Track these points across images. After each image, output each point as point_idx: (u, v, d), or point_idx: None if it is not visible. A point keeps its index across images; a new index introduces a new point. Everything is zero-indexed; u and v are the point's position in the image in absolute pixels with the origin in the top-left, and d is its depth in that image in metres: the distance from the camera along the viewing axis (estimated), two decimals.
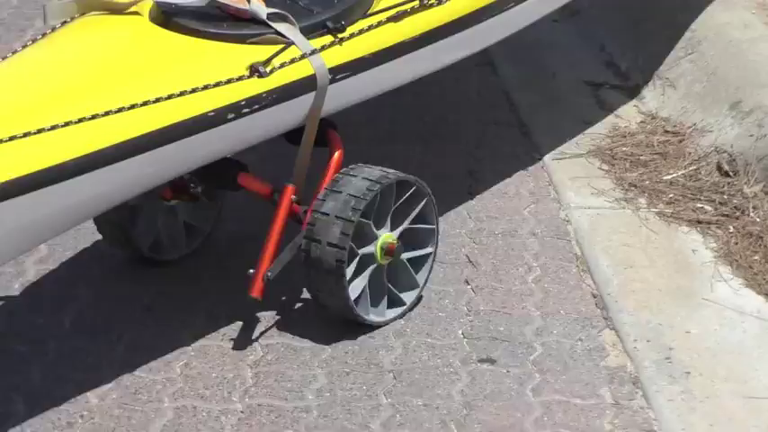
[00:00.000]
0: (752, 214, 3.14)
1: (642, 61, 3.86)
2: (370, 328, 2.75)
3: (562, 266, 3.01)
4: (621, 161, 3.38)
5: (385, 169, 2.73)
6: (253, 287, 2.64)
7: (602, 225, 3.19)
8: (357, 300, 2.71)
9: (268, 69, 2.53)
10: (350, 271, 2.67)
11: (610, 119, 3.61)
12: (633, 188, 3.27)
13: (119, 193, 2.44)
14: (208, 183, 2.85)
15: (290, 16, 2.62)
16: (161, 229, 3.00)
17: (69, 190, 2.29)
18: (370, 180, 2.67)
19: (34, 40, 2.64)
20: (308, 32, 2.63)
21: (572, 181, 3.33)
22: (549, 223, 3.18)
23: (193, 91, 2.42)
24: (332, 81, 2.63)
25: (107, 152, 2.31)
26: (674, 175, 3.30)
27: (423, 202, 2.79)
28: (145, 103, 2.36)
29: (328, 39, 2.65)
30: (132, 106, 2.34)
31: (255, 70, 2.51)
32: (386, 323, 2.79)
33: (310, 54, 2.59)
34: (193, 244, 3.08)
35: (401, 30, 2.75)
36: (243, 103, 2.50)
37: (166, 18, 2.63)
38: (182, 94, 2.41)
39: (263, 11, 2.59)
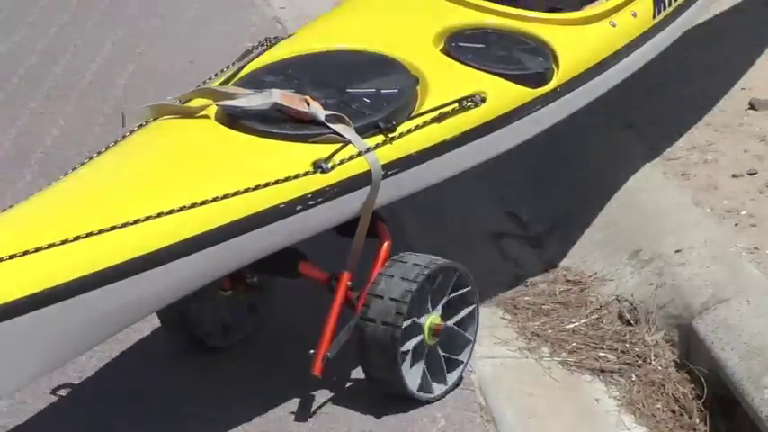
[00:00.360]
0: (653, 362, 3.21)
1: (543, 211, 3.96)
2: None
3: (467, 417, 3.00)
4: (524, 310, 3.42)
5: (430, 256, 3.01)
6: (314, 366, 2.88)
7: (505, 374, 3.20)
8: (418, 387, 2.97)
9: (329, 166, 2.79)
10: (406, 364, 2.92)
11: (512, 268, 3.68)
12: (536, 337, 3.31)
13: (191, 284, 2.68)
14: (270, 271, 3.13)
15: (346, 117, 2.89)
16: (219, 317, 3.22)
17: (146, 282, 2.50)
18: (420, 265, 2.93)
19: (116, 142, 2.94)
20: (362, 132, 2.90)
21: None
22: None
23: (265, 186, 2.69)
24: (384, 176, 2.91)
25: (184, 244, 2.55)
26: (577, 323, 3.35)
27: (456, 275, 3.03)
28: (216, 199, 2.61)
29: (380, 138, 2.92)
30: (204, 202, 2.60)
31: (319, 167, 2.78)
32: (451, 388, 3.05)
33: (366, 152, 2.86)
34: (248, 329, 3.31)
35: (444, 129, 3.03)
36: (309, 196, 2.77)
37: (232, 120, 2.91)
38: (254, 188, 2.67)
39: (321, 113, 2.88)
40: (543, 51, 3.33)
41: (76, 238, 2.40)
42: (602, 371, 3.19)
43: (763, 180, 3.81)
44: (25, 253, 2.33)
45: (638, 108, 4.22)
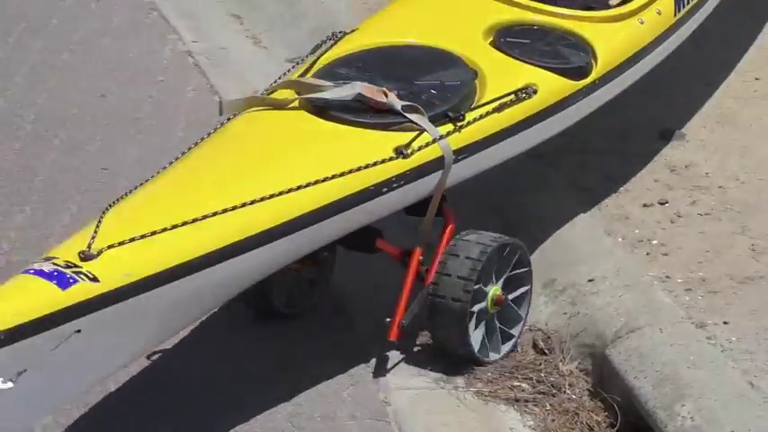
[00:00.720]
0: (568, 391, 3.26)
1: None
2: None
3: None
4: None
5: (491, 234, 3.34)
6: (390, 332, 3.21)
7: (421, 405, 3.23)
8: (479, 349, 3.29)
9: (409, 152, 3.13)
10: (471, 325, 3.24)
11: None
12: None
13: (286, 259, 3.01)
14: (350, 246, 3.42)
15: (420, 107, 3.22)
16: (290, 287, 3.53)
17: (252, 259, 2.82)
18: (481, 244, 3.27)
19: (215, 129, 3.25)
20: (433, 121, 3.24)
21: (391, 362, 3.35)
22: (369, 405, 3.20)
23: (357, 170, 3.02)
24: (455, 161, 3.24)
25: (285, 226, 2.87)
26: None
27: (518, 254, 3.38)
28: (310, 184, 2.92)
29: (450, 126, 3.26)
30: (300, 187, 2.90)
31: (400, 152, 3.12)
32: (503, 357, 3.37)
33: (439, 139, 3.20)
34: (315, 298, 3.62)
35: (504, 118, 3.39)
36: (393, 179, 3.11)
37: (319, 110, 3.23)
38: (346, 173, 3.00)
39: (398, 103, 3.21)
40: (583, 47, 3.71)
41: (194, 221, 2.70)
42: (517, 400, 3.23)
43: (673, 209, 3.89)
44: (154, 233, 2.63)
45: (549, 138, 4.28)
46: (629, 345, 3.20)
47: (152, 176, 2.99)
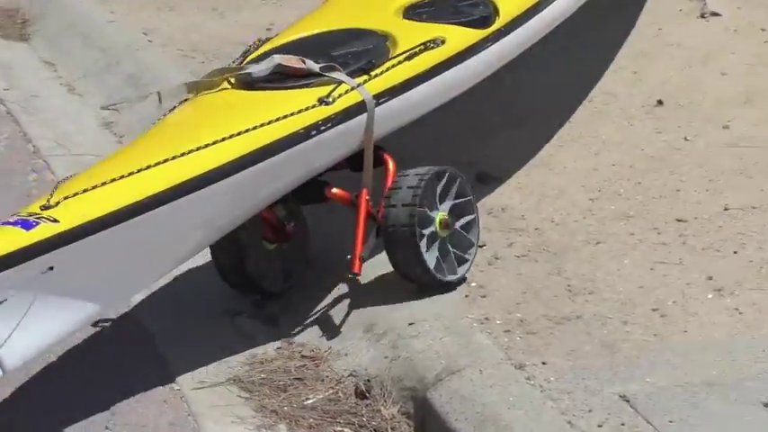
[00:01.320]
0: None
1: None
2: None
3: None
4: (261, 387, 3.47)
5: (426, 166, 3.77)
6: (353, 265, 3.59)
7: None
8: (435, 267, 3.68)
9: (330, 99, 3.60)
10: (423, 245, 3.64)
11: (248, 346, 3.69)
12: (274, 414, 3.35)
13: (248, 200, 3.48)
14: (303, 200, 3.89)
15: (337, 65, 3.75)
16: (269, 266, 3.93)
17: (214, 194, 3.28)
18: (419, 174, 3.71)
19: (163, 116, 3.74)
20: (350, 75, 3.74)
21: (212, 410, 3.37)
22: None
23: (284, 117, 3.49)
24: (377, 105, 3.72)
25: (234, 164, 3.34)
26: (314, 399, 3.42)
27: (457, 182, 3.84)
28: (249, 129, 3.40)
29: (365, 77, 3.76)
30: (240, 132, 3.38)
31: (322, 101, 3.59)
32: (460, 279, 3.78)
33: (357, 86, 3.70)
34: (292, 280, 4.01)
35: (415, 65, 3.88)
36: (320, 123, 3.56)
37: (248, 84, 3.77)
38: (276, 120, 3.47)
39: (315, 66, 3.73)
40: (485, 2, 4.26)
41: (132, 173, 3.14)
42: None
43: (491, 252, 4.00)
44: (104, 184, 3.08)
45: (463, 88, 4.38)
46: (449, 387, 3.26)
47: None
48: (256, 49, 4.12)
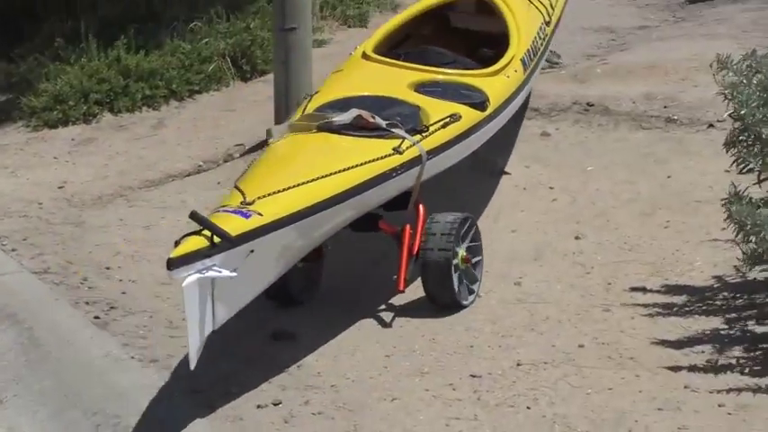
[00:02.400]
0: None
1: None
2: None
3: None
4: None
5: (453, 213, 4.94)
6: (399, 285, 4.72)
7: None
8: (457, 293, 4.85)
9: (401, 150, 4.74)
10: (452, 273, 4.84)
11: None
12: None
13: (347, 217, 4.61)
14: (357, 228, 4.85)
15: (398, 124, 4.90)
16: (301, 280, 4.89)
17: (321, 218, 4.35)
18: (453, 216, 4.89)
19: (267, 146, 5.22)
20: (407, 133, 4.92)
21: None
22: None
23: (373, 161, 4.61)
24: (427, 159, 4.88)
25: (333, 198, 4.36)
26: None
27: (474, 228, 5.01)
28: (352, 167, 4.49)
29: (418, 136, 4.91)
30: (347, 168, 4.47)
31: (397, 150, 4.73)
32: (470, 304, 4.91)
33: (416, 143, 4.85)
34: (315, 292, 5.04)
35: (447, 132, 5.08)
36: (397, 167, 4.70)
37: (333, 130, 4.85)
38: (370, 161, 4.59)
39: (383, 123, 4.87)
40: (478, 91, 5.49)
41: (305, 183, 4.28)
42: None
43: (287, 409, 4.01)
44: (278, 192, 4.18)
45: (162, 343, 4.34)
46: None
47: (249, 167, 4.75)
48: (310, 100, 5.33)
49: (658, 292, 4.89)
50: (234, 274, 3.77)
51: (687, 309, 4.70)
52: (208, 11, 8.47)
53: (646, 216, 5.60)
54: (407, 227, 4.84)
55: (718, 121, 6.38)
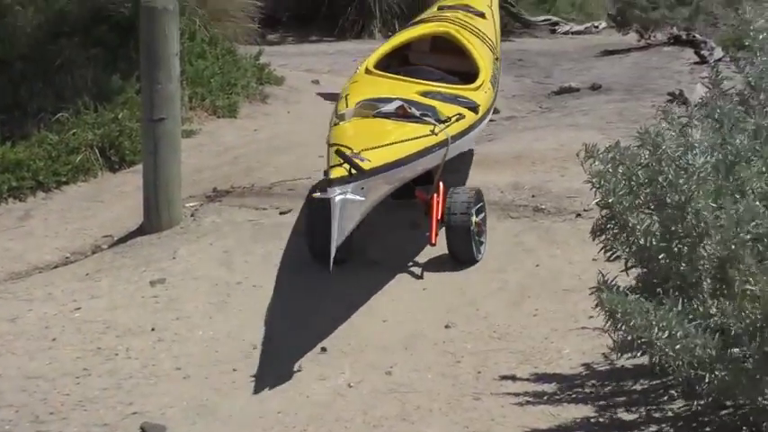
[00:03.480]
0: None
1: None
2: None
3: None
4: None
5: (468, 188, 6.64)
6: (431, 239, 6.08)
7: None
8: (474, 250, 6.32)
9: (436, 132, 5.94)
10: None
11: None
12: None
13: (407, 177, 5.94)
14: (396, 196, 6.11)
15: (429, 114, 6.17)
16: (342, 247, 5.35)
17: (400, 170, 5.60)
18: (467, 193, 6.32)
19: (335, 123, 6.21)
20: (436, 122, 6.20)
21: None
22: None
23: (420, 137, 5.83)
24: (451, 142, 6.07)
25: (406, 158, 5.61)
26: None
27: (482, 201, 6.42)
28: (404, 141, 5.73)
29: (443, 125, 6.08)
30: (401, 141, 5.71)
31: (433, 132, 5.93)
32: (481, 258, 6.32)
33: (443, 129, 6.04)
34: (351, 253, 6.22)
35: (461, 124, 6.34)
36: (435, 144, 5.91)
37: (383, 116, 6.10)
38: (419, 137, 5.83)
39: (417, 112, 6.12)
40: (470, 100, 6.77)
41: (376, 147, 5.45)
42: None
43: None
44: (371, 149, 5.37)
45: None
46: None
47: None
48: (345, 100, 6.57)
49: (528, 380, 4.89)
50: (362, 198, 5.08)
51: (557, 397, 4.70)
52: (75, 102, 8.34)
53: (515, 304, 5.66)
54: (435, 195, 6.26)
55: (585, 210, 6.53)
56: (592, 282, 4.23)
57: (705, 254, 4.03)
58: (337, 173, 4.99)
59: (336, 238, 4.91)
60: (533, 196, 7.04)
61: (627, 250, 4.28)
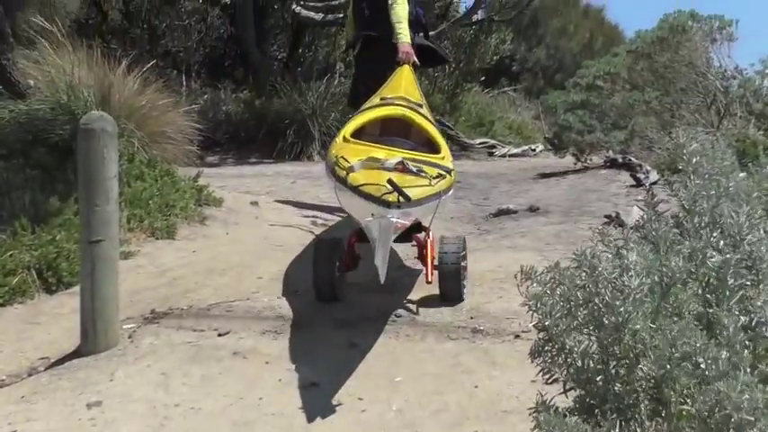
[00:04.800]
0: None
1: None
2: None
3: None
4: None
5: (454, 237, 8.04)
6: (429, 279, 7.13)
7: None
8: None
9: (432, 184, 6.80)
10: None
11: None
12: None
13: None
14: (400, 240, 7.18)
15: (423, 170, 7.02)
16: (340, 287, 7.56)
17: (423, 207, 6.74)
18: (455, 242, 7.54)
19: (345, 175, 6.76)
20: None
21: None
22: None
23: (421, 187, 6.69)
24: (443, 195, 7.06)
25: (421, 199, 6.65)
26: None
27: (465, 246, 7.71)
28: (410, 187, 6.45)
29: (435, 180, 6.90)
30: (409, 186, 6.44)
31: (430, 184, 6.77)
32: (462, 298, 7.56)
33: (437, 183, 6.90)
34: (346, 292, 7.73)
35: (444, 183, 7.10)
36: (433, 194, 6.72)
37: (387, 169, 6.89)
38: (422, 186, 6.73)
39: (413, 168, 6.86)
40: (443, 165, 7.42)
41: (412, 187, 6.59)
42: None
43: None
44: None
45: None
46: None
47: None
48: (360, 112, 8.68)
49: None
50: (407, 222, 6.28)
51: None
52: (13, 223, 8.37)
53: (454, 426, 5.65)
54: (429, 240, 7.38)
55: (523, 331, 6.60)
56: (531, 403, 4.26)
57: (642, 374, 4.10)
58: (393, 198, 5.95)
59: (384, 255, 5.84)
60: (472, 317, 7.10)
61: (565, 372, 4.34)
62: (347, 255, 7.57)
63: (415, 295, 7.64)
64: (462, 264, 7.38)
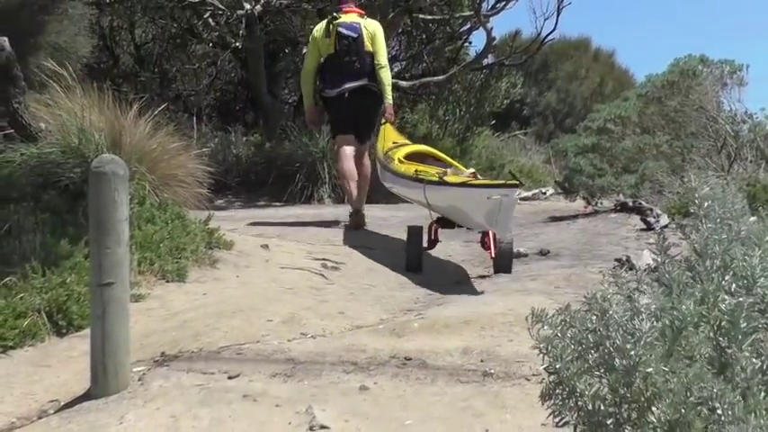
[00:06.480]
0: None
1: None
2: None
3: None
4: None
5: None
6: (493, 254, 10.26)
7: None
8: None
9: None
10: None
11: None
12: None
13: None
14: (447, 226, 10.54)
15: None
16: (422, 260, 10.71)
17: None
18: (509, 235, 10.48)
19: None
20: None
21: None
22: None
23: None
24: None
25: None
26: None
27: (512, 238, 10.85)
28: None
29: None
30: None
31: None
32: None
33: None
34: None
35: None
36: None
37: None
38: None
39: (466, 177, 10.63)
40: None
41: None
42: None
43: None
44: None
45: None
46: None
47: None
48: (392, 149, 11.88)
49: None
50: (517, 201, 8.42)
51: None
52: (23, 266, 8.40)
53: None
54: (491, 231, 9.80)
55: (533, 375, 6.59)
56: None
57: (654, 419, 4.09)
58: (510, 181, 8.71)
59: (508, 221, 8.94)
60: (482, 361, 7.08)
61: (575, 415, 4.33)
62: (431, 237, 10.67)
63: (421, 335, 7.64)
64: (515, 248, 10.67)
